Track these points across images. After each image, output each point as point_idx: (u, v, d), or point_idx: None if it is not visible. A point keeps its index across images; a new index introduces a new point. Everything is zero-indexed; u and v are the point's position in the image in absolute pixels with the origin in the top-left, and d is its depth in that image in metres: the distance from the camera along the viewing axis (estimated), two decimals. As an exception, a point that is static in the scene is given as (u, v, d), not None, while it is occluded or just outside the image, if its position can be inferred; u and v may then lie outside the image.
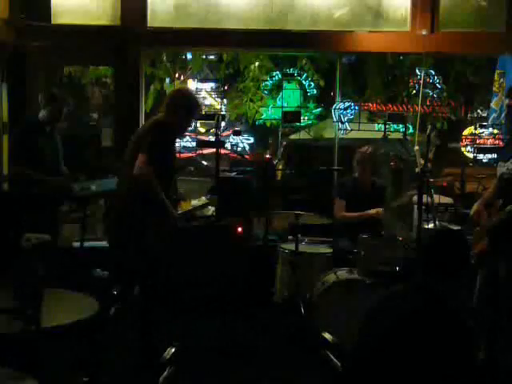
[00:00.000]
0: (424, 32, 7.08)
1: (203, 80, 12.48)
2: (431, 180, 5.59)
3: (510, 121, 4.97)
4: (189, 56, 11.90)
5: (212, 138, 7.21)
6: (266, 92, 10.92)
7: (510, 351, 4.60)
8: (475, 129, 10.28)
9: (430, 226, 5.67)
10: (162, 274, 4.80)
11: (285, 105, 8.76)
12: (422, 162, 5.24)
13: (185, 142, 12.13)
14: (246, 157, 10.79)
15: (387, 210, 6.20)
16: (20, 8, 6.60)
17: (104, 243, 7.10)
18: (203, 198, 8.10)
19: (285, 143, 11.99)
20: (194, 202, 8.07)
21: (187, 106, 4.96)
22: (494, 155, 8.96)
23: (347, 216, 6.39)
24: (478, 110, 13.28)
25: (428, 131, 5.46)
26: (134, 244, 4.69)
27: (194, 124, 13.34)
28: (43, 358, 3.18)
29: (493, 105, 8.41)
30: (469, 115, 13.31)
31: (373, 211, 6.24)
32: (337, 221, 6.40)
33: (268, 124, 10.96)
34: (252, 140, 14.68)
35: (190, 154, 13.00)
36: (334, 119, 8.41)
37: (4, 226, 5.36)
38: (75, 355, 3.71)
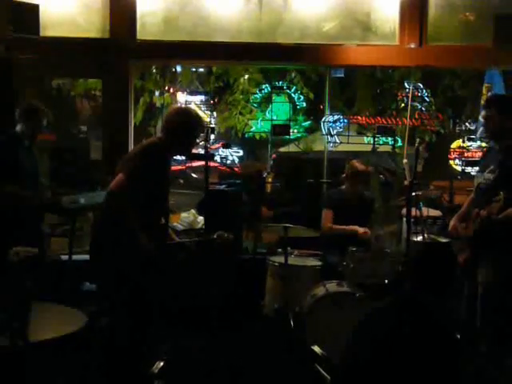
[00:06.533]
0: (412, 45, 7.11)
1: (193, 93, 12.46)
2: (419, 193, 5.60)
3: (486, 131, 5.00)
4: (178, 69, 11.91)
5: (201, 151, 7.19)
6: (255, 105, 10.93)
7: (496, 361, 4.60)
8: (463, 142, 10.34)
9: (419, 238, 5.69)
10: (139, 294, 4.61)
11: (274, 118, 8.78)
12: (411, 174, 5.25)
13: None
14: (235, 169, 10.79)
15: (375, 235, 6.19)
16: (8, 20, 6.58)
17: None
18: (192, 210, 8.12)
19: (274, 156, 12.02)
20: (184, 215, 8.09)
21: (186, 125, 4.59)
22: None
23: (334, 228, 6.37)
24: (467, 123, 13.33)
25: (417, 144, 5.48)
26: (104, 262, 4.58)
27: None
28: (30, 373, 3.16)
29: (481, 118, 8.44)
30: (457, 128, 13.36)
31: (361, 230, 6.23)
32: (324, 232, 6.37)
33: (257, 137, 10.96)
34: (241, 153, 14.69)
35: (180, 167, 13.00)
36: (323, 132, 8.45)
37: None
38: (63, 369, 3.69)
